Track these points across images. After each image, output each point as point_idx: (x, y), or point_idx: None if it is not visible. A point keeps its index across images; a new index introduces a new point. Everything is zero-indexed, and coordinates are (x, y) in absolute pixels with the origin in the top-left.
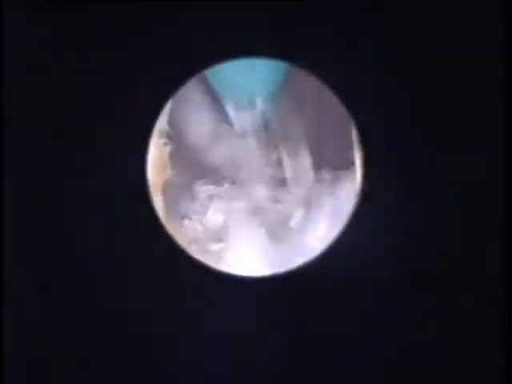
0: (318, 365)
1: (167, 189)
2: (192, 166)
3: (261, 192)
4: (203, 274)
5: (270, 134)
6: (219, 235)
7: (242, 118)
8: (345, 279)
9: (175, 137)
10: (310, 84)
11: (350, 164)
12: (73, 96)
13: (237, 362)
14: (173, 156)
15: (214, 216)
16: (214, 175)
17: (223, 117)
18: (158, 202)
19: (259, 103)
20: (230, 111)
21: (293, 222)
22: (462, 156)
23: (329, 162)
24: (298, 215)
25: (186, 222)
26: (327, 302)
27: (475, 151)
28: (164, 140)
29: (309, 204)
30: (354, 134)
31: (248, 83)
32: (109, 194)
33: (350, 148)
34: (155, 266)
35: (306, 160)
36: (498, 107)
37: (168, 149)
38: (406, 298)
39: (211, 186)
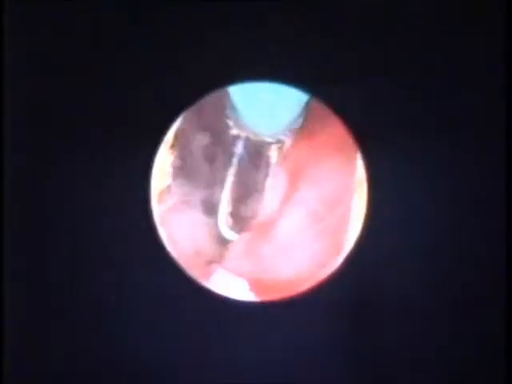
0: None
1: (163, 199)
2: (193, 178)
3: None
4: (198, 292)
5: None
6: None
7: (255, 140)
8: (350, 304)
9: (179, 148)
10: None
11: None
12: (80, 99)
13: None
14: (173, 167)
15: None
16: (213, 189)
17: (232, 131)
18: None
19: (275, 130)
20: (242, 127)
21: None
22: (462, 156)
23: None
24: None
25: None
26: (332, 327)
27: (476, 153)
28: (168, 150)
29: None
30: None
31: (269, 108)
32: (110, 197)
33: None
34: (154, 281)
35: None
36: (498, 107)
37: (170, 159)
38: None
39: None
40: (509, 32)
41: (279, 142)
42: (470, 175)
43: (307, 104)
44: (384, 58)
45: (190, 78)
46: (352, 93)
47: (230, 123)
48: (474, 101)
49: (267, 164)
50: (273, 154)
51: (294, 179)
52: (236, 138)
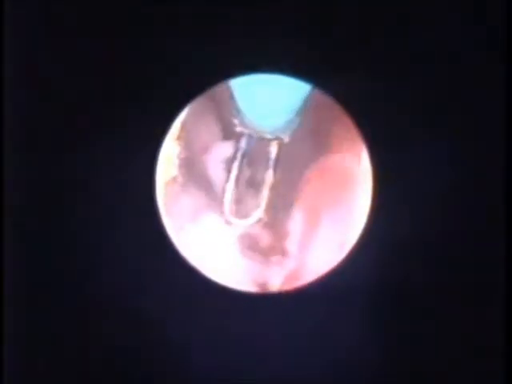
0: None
1: (169, 189)
2: (198, 169)
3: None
4: (199, 282)
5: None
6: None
7: (257, 137)
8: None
9: (185, 139)
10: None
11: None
12: (84, 96)
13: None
14: (180, 158)
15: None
16: (218, 180)
17: (236, 129)
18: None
19: (276, 125)
20: (246, 125)
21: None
22: (462, 156)
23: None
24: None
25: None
26: (332, 318)
27: (476, 142)
28: (174, 141)
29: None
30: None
31: (270, 101)
32: (116, 188)
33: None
34: (157, 271)
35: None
36: (497, 107)
37: (176, 150)
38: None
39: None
40: (509, 32)
41: (278, 138)
42: (471, 164)
43: (306, 100)
44: (388, 48)
45: (192, 70)
46: (355, 83)
47: (235, 121)
48: (474, 90)
49: (267, 159)
50: (272, 149)
51: (296, 174)
52: (240, 134)
